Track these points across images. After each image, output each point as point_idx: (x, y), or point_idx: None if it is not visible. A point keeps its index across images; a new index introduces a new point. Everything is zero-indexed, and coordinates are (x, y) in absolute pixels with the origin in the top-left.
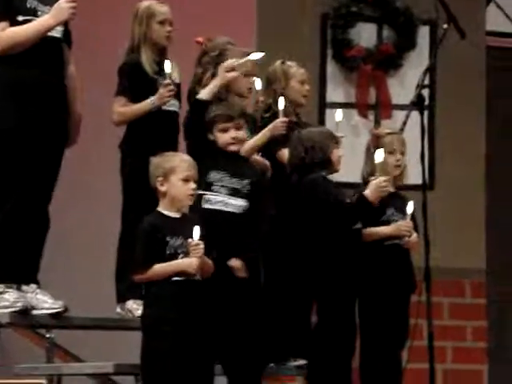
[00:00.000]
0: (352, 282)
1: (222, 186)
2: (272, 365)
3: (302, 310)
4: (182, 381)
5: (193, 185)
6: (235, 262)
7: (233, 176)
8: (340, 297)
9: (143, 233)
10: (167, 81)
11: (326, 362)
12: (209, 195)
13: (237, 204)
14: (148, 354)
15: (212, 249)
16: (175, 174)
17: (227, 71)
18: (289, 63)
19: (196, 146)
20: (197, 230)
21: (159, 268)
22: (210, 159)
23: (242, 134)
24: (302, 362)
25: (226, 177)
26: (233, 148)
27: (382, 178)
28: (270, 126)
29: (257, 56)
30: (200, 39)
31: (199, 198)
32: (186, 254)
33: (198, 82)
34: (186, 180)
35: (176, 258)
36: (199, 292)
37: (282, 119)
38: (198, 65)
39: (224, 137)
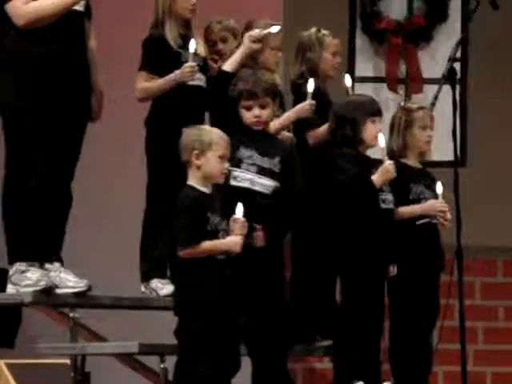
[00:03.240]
0: (380, 261)
1: (252, 164)
2: (299, 346)
3: (328, 289)
4: (221, 360)
5: (227, 164)
6: (258, 228)
7: (262, 154)
8: (367, 276)
9: (188, 207)
10: (190, 63)
11: (353, 342)
12: (237, 172)
13: (266, 184)
14: (192, 335)
15: None
16: (213, 150)
17: (253, 41)
18: (324, 32)
19: (222, 120)
20: (240, 207)
21: (208, 245)
22: (239, 135)
23: (266, 112)
24: (329, 342)
25: (256, 155)
26: (256, 127)
27: (389, 164)
28: (297, 108)
29: (276, 29)
30: None
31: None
32: (226, 232)
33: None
34: (221, 157)
35: (217, 236)
36: (235, 270)
37: (309, 102)
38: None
39: (247, 115)
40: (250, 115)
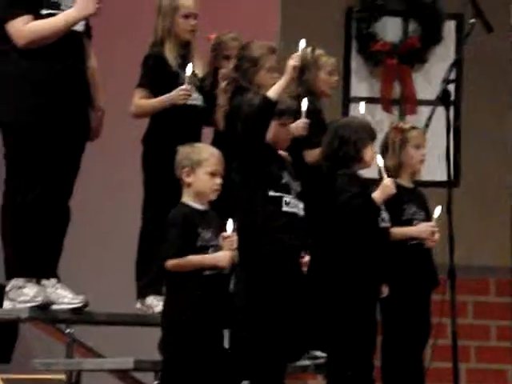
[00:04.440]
0: (375, 279)
1: (292, 189)
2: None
3: (321, 306)
4: (203, 377)
5: (219, 180)
6: (307, 259)
7: (293, 178)
8: (361, 294)
9: (177, 222)
10: (185, 86)
11: (346, 359)
12: (289, 198)
13: (302, 207)
14: (179, 351)
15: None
16: (203, 167)
17: (294, 65)
18: (319, 52)
19: (261, 146)
20: (230, 223)
21: (195, 259)
22: (277, 160)
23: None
24: (321, 359)
25: (291, 179)
26: (286, 147)
27: (389, 180)
28: (291, 126)
29: (303, 43)
30: (211, 36)
31: (277, 200)
32: (217, 248)
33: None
34: (212, 174)
35: (207, 251)
36: (227, 286)
37: (303, 120)
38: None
39: (283, 134)
40: (286, 135)
